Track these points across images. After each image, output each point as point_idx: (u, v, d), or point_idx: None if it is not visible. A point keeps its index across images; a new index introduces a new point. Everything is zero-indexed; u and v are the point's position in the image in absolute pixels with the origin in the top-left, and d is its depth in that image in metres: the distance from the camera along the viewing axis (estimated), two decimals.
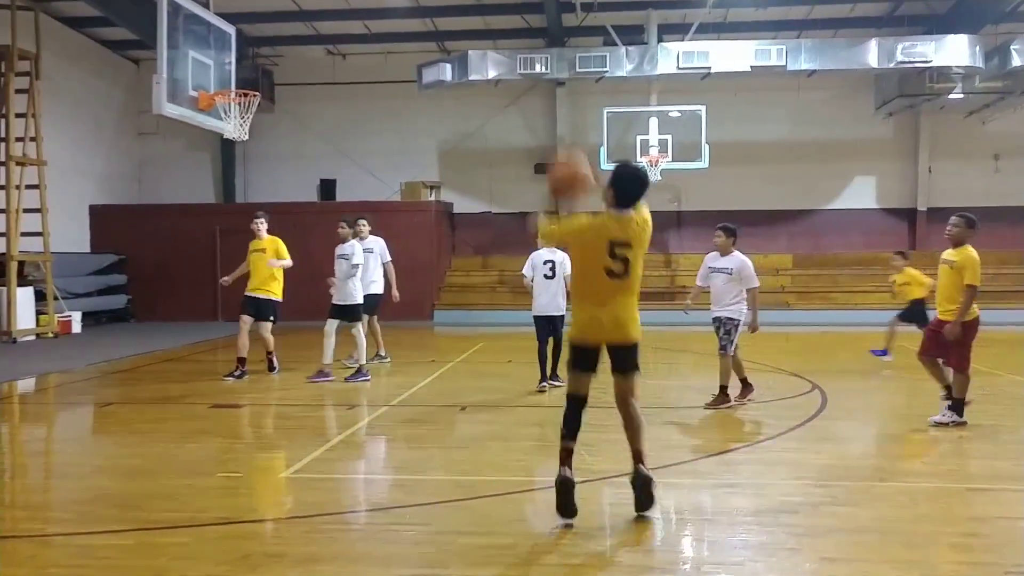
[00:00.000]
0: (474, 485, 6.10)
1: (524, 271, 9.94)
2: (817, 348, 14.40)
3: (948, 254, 8.04)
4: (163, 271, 20.48)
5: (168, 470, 6.58)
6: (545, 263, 9.77)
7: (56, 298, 17.15)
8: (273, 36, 20.99)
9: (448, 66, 18.75)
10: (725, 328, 8.72)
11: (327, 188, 22.13)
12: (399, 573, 4.46)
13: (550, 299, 9.79)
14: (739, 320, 8.75)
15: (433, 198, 21.55)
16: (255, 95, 10.97)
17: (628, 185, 5.40)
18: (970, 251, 7.86)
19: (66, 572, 4.49)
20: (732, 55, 17.76)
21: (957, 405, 7.95)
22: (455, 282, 21.59)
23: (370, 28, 20.58)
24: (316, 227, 19.55)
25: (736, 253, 8.85)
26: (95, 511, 5.55)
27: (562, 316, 9.72)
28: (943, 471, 6.59)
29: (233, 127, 10.81)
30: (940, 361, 8.10)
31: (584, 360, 5.46)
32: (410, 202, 21.09)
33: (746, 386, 9.03)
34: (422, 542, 4.94)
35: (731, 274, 8.75)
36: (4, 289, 15.74)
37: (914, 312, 11.72)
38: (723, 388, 8.81)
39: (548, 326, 9.87)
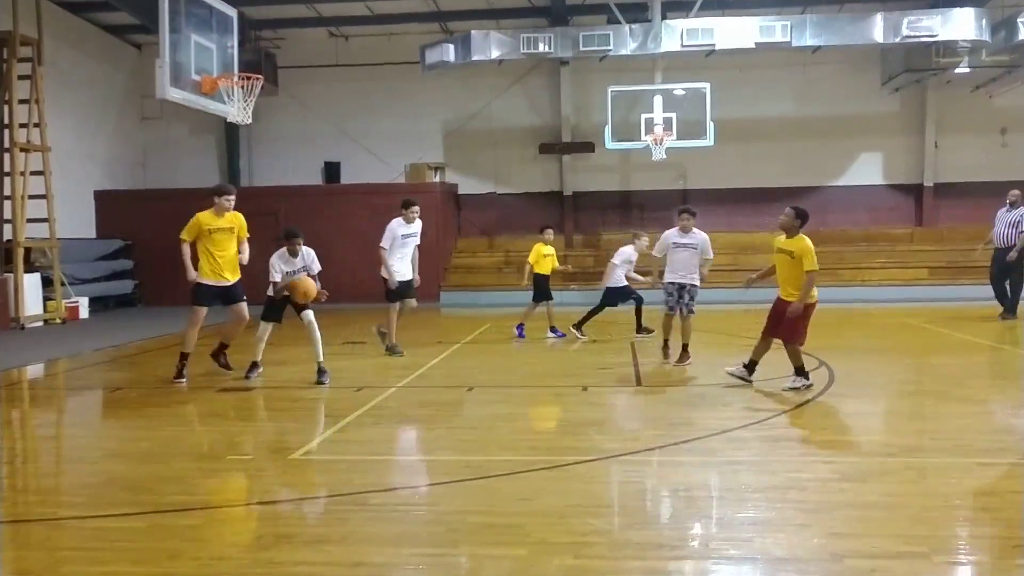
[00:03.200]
0: (482, 465, 6.12)
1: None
2: (823, 325, 14.27)
3: (783, 243, 8.58)
4: (170, 256, 20.24)
5: (178, 453, 6.62)
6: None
7: (63, 284, 17.20)
8: (275, 19, 20.89)
9: (451, 47, 18.63)
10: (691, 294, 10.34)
11: (331, 171, 22.11)
12: (409, 552, 4.49)
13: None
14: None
15: (438, 179, 21.51)
16: (258, 78, 10.92)
17: None
18: (805, 241, 8.39)
19: (79, 555, 4.53)
20: (737, 32, 17.60)
21: (800, 371, 8.56)
22: (461, 263, 21.59)
23: (372, 10, 20.48)
24: (319, 210, 19.62)
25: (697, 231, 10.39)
26: (106, 494, 5.59)
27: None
28: (951, 446, 6.58)
29: (236, 111, 10.77)
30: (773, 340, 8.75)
31: None
32: (415, 183, 21.04)
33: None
34: (431, 521, 4.97)
35: (696, 249, 10.30)
36: (11, 276, 15.78)
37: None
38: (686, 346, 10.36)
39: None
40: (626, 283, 12.86)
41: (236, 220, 9.85)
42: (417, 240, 11.68)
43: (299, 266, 9.63)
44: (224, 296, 9.80)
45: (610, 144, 18.93)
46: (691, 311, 10.36)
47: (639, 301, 12.95)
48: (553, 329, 13.25)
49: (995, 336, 12.95)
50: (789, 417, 7.57)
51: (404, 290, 11.49)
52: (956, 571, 4.32)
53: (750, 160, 21.29)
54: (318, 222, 18.00)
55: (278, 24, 21.21)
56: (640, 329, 12.97)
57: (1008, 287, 14.72)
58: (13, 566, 4.41)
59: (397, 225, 11.47)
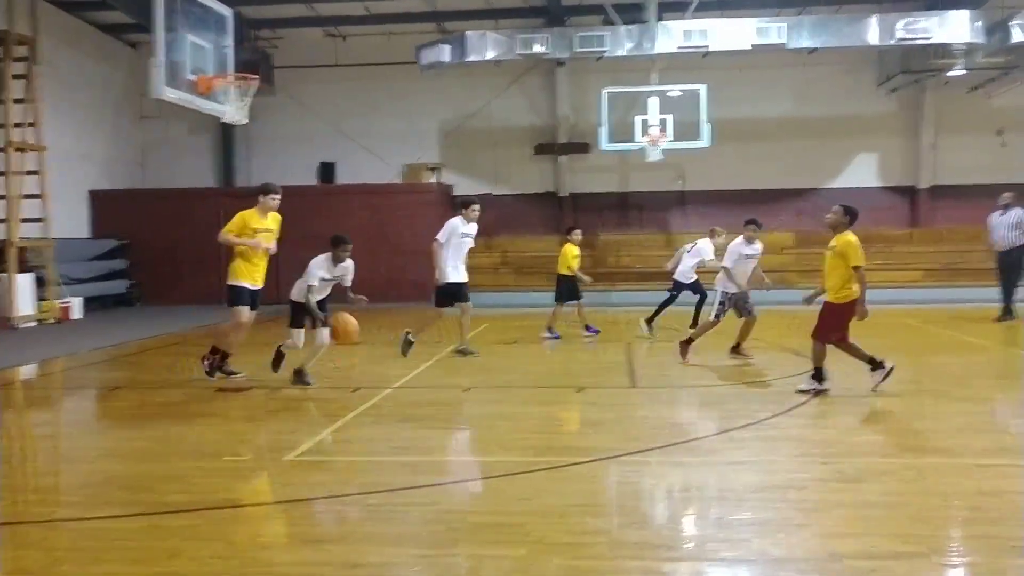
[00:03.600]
0: (481, 465, 6.12)
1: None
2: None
3: (832, 241, 8.50)
4: (166, 255, 20.50)
5: (176, 453, 6.60)
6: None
7: (58, 284, 17.15)
8: (272, 18, 20.87)
9: (447, 47, 18.61)
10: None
11: (327, 171, 22.10)
12: (408, 552, 4.48)
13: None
14: None
15: (435, 180, 21.50)
16: (254, 78, 10.90)
17: None
18: (848, 236, 8.33)
19: (77, 555, 4.51)
20: (733, 33, 17.58)
21: (818, 374, 8.44)
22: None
23: (369, 9, 20.47)
24: (317, 210, 19.58)
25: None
26: (104, 494, 5.57)
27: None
28: (949, 446, 6.59)
29: (232, 110, 10.75)
30: (850, 340, 8.58)
31: None
32: (412, 184, 21.05)
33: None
34: (430, 521, 4.96)
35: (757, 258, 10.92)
36: (5, 275, 15.74)
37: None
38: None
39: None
40: (695, 277, 13.08)
41: (277, 221, 9.56)
42: (472, 242, 11.58)
43: (338, 274, 9.25)
44: (251, 299, 9.44)
45: (606, 145, 18.92)
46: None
47: (671, 301, 13.18)
48: (550, 330, 13.25)
49: (994, 337, 12.97)
50: (787, 417, 7.56)
51: (457, 292, 11.33)
52: (955, 571, 4.32)
53: (748, 161, 21.30)
54: (315, 222, 17.93)
55: (275, 24, 21.19)
56: (651, 322, 13.23)
57: (1006, 289, 14.68)
58: (11, 566, 4.39)
59: (459, 223, 11.33)
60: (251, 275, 9.34)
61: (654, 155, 18.43)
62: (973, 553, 4.47)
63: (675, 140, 18.36)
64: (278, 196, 9.45)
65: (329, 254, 9.16)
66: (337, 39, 22.17)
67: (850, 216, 8.44)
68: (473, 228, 11.51)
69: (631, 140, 18.52)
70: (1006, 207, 14.71)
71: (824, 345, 8.48)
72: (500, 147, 22.19)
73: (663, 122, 18.25)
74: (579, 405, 8.49)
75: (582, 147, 21.58)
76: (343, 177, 22.04)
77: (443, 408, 8.46)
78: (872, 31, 17.44)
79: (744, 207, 21.06)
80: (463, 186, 22.31)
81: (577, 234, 13.61)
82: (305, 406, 8.59)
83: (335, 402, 8.63)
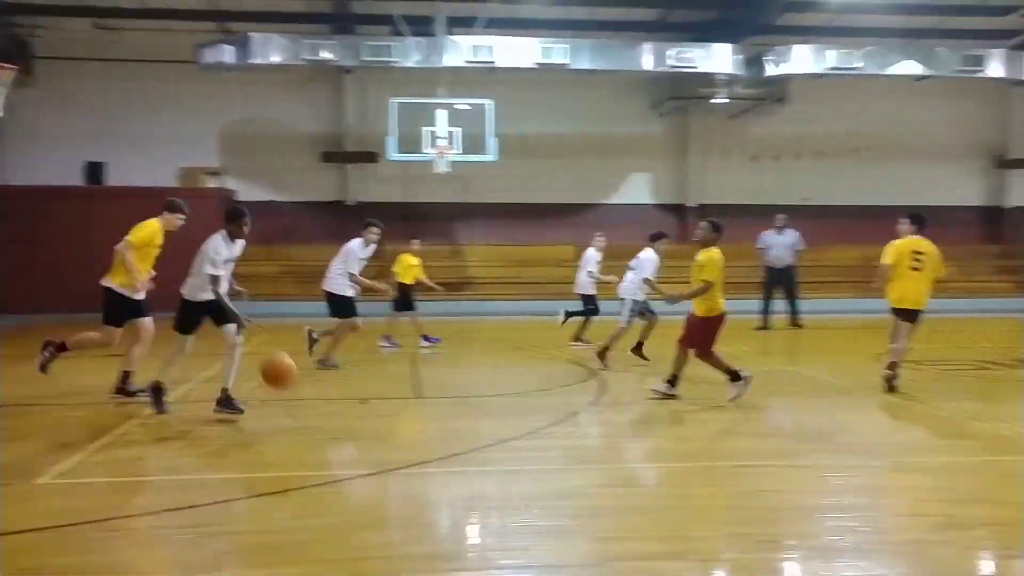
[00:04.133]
0: (254, 482, 5.88)
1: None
2: (594, 336, 14.95)
3: (697, 255, 8.84)
4: None
5: None
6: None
7: None
8: (33, 4, 19.23)
9: (230, 48, 17.95)
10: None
11: (94, 171, 20.61)
12: None
13: None
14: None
15: (214, 184, 20.59)
16: (10, 68, 9.99)
17: None
18: (713, 252, 8.77)
19: None
20: (519, 51, 18.17)
21: (673, 380, 8.86)
22: (237, 272, 20.60)
23: (144, 3, 19.32)
24: (83, 213, 18.24)
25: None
26: None
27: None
28: (712, 450, 7.04)
29: None
30: (690, 352, 8.92)
31: None
32: (188, 188, 19.99)
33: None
34: (199, 544, 4.70)
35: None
36: None
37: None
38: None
39: None
40: (593, 292, 13.22)
41: None
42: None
43: (237, 254, 8.65)
44: (137, 310, 9.06)
45: (394, 155, 18.88)
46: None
47: (595, 312, 13.32)
48: (426, 337, 13.30)
49: (758, 346, 13.99)
50: (563, 426, 7.80)
51: (350, 306, 11.24)
52: (712, 568, 4.60)
53: (532, 176, 21.88)
54: (82, 225, 16.78)
55: (36, 10, 19.51)
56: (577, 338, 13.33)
57: (787, 302, 15.88)
58: None
59: (358, 248, 11.13)
60: (139, 286, 9.07)
61: (442, 167, 18.60)
62: (730, 550, 4.78)
63: (463, 153, 18.63)
64: (184, 218, 9.29)
65: (223, 232, 8.39)
66: (107, 32, 20.72)
67: (717, 232, 8.84)
68: (370, 251, 11.40)
69: (419, 151, 18.59)
70: (782, 228, 15.95)
71: (709, 356, 8.79)
72: (284, 153, 21.61)
73: (451, 135, 18.47)
74: (361, 417, 8.36)
75: (369, 156, 21.42)
76: (113, 179, 20.61)
77: (215, 424, 8.03)
78: (646, 58, 18.59)
79: (527, 221, 21.80)
80: (245, 192, 21.53)
81: (415, 243, 13.65)
82: (61, 424, 7.90)
83: (96, 419, 8.01)
